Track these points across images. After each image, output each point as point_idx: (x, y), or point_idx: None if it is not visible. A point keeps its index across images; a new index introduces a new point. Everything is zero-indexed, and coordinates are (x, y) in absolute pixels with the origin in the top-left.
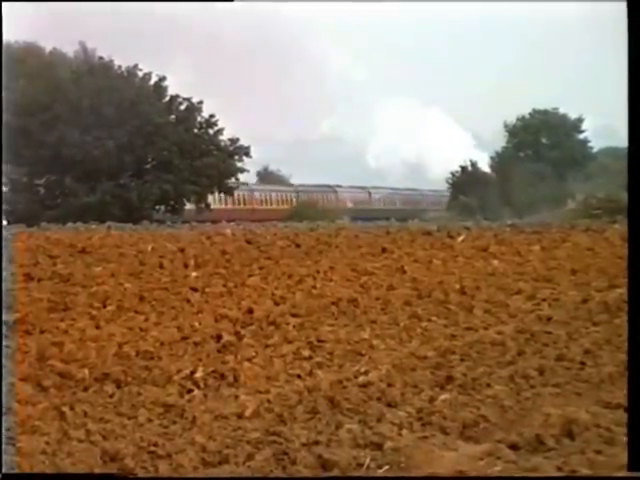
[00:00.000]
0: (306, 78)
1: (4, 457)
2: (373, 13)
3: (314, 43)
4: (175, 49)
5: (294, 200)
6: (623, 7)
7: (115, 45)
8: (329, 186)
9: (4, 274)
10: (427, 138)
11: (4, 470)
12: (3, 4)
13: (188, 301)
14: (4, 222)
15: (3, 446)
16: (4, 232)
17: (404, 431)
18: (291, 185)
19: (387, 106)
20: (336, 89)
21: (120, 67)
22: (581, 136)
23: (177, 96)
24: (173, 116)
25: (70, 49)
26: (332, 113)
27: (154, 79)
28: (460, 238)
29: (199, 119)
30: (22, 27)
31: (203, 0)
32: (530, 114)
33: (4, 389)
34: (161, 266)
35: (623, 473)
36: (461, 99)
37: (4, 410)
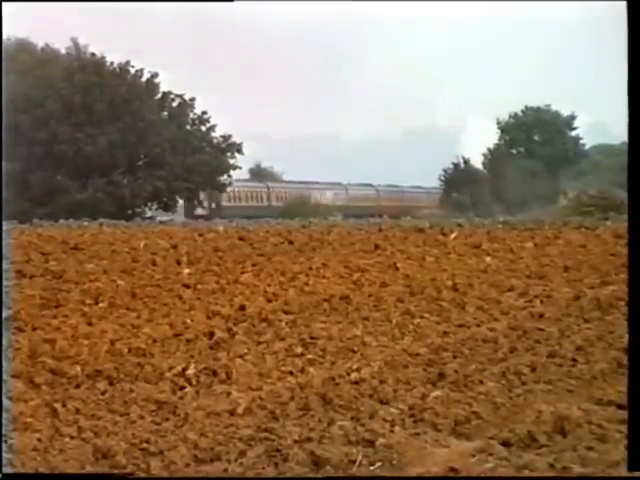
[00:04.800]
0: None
1: (4, 457)
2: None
3: (310, 39)
4: (171, 43)
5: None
6: (619, 6)
7: (109, 40)
8: (397, 186)
9: None
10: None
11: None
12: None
13: (180, 298)
14: None
15: (3, 446)
16: None
17: (396, 428)
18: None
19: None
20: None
21: (112, 63)
22: (573, 133)
23: (169, 92)
24: (165, 113)
25: (62, 45)
26: (328, 109)
27: (146, 75)
28: (453, 235)
29: (191, 116)
30: (14, 23)
31: (203, 0)
32: (522, 111)
33: (4, 389)
34: (153, 263)
35: (624, 473)
36: (454, 98)
37: (4, 409)
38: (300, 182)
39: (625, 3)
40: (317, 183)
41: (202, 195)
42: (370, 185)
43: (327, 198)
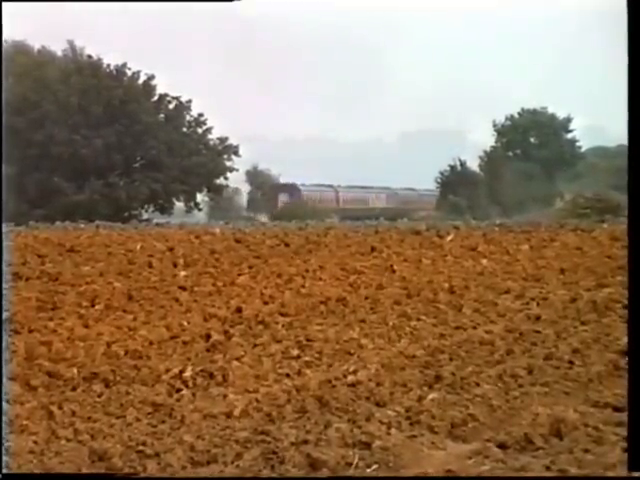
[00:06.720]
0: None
1: (4, 457)
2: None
3: (305, 41)
4: (168, 44)
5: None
6: (619, 7)
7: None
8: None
9: None
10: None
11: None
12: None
13: (177, 300)
14: None
15: (3, 446)
16: None
17: (393, 430)
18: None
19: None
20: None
21: (109, 66)
22: (569, 135)
23: (166, 95)
24: (162, 115)
25: (58, 48)
26: (326, 110)
27: (143, 78)
28: (449, 237)
29: (188, 118)
30: (11, 25)
31: (202, 0)
32: (519, 113)
33: (4, 389)
34: (150, 265)
35: (624, 473)
36: (451, 97)
37: (3, 411)
38: (360, 187)
39: (625, 4)
40: (371, 188)
41: (199, 197)
42: (413, 189)
43: (382, 201)
